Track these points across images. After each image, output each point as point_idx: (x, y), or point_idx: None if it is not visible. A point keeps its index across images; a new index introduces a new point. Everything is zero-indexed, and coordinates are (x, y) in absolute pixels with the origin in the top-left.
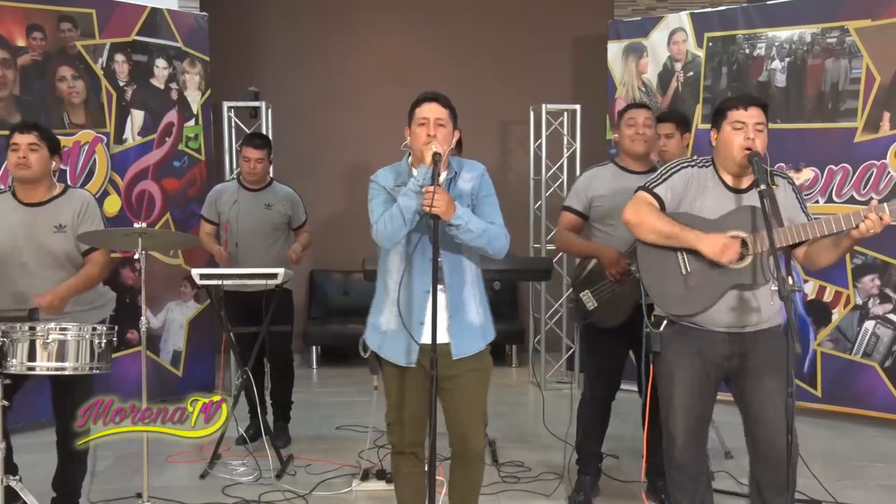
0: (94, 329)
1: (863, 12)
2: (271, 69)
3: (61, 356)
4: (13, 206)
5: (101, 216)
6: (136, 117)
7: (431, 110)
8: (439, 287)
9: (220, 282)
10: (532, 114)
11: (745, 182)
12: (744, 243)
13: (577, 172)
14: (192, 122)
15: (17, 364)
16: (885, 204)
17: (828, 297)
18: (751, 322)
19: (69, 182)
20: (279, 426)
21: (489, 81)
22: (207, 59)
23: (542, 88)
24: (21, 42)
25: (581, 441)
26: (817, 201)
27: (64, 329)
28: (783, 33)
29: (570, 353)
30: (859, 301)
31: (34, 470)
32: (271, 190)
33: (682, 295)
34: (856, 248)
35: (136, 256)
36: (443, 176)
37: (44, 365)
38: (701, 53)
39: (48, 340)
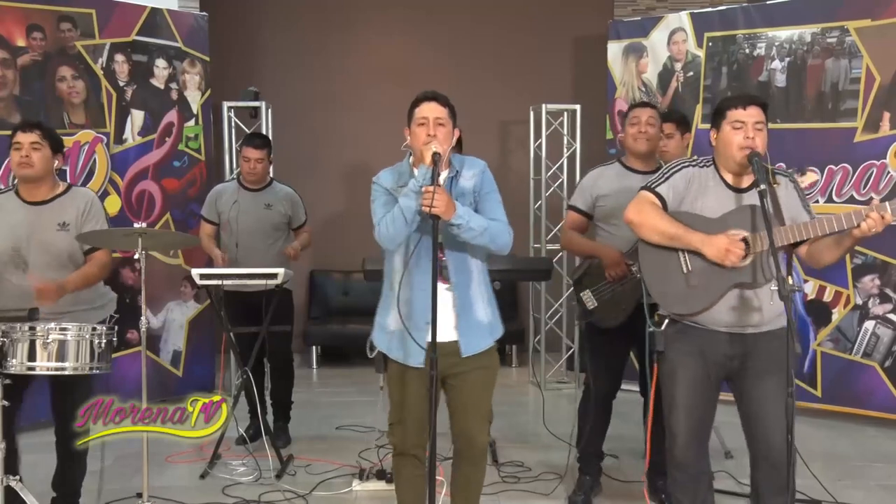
0: (94, 329)
1: (863, 12)
2: (271, 69)
3: (61, 356)
4: (16, 205)
5: (105, 215)
6: (136, 117)
7: (431, 110)
8: (445, 286)
9: (220, 282)
10: (532, 114)
11: (746, 181)
12: (746, 242)
13: (578, 172)
14: (192, 122)
15: (17, 364)
16: (886, 203)
17: (828, 296)
18: (752, 322)
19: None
20: (279, 426)
21: (489, 81)
22: (207, 59)
23: (542, 88)
24: (21, 42)
25: (582, 440)
26: (817, 201)
27: (64, 329)
28: (783, 33)
29: (570, 353)
30: (859, 301)
31: (34, 470)
32: (271, 190)
33: (683, 294)
34: (856, 247)
35: (136, 256)
36: (443, 175)
37: (44, 365)
38: (701, 53)
39: (48, 340)
